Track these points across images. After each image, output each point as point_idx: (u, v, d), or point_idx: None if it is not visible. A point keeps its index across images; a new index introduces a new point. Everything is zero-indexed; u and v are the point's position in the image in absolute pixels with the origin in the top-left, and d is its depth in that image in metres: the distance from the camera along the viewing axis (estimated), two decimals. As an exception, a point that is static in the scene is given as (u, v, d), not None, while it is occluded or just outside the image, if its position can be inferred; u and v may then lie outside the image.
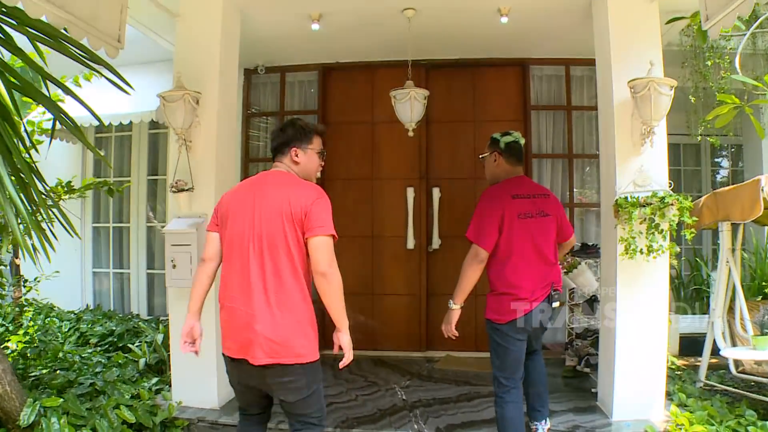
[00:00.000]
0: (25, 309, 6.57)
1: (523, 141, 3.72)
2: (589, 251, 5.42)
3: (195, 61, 4.50)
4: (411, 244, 6.26)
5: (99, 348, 5.59)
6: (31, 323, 5.56)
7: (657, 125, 3.91)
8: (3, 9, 2.99)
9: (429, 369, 5.62)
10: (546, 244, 3.55)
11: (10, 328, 5.79)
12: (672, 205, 3.80)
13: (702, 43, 5.22)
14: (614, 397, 4.11)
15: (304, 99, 6.69)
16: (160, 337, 5.23)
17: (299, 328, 2.66)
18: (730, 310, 4.73)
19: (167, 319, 4.75)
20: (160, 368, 5.05)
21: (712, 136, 5.74)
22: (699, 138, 5.74)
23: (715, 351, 4.72)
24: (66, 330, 6.03)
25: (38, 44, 3.33)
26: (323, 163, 3.12)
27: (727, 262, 4.60)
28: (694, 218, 3.89)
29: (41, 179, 3.60)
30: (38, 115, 4.81)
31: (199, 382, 4.44)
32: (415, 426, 4.11)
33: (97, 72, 3.47)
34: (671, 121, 4.25)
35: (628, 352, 4.08)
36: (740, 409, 4.04)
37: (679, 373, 5.12)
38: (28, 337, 5.07)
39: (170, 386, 4.54)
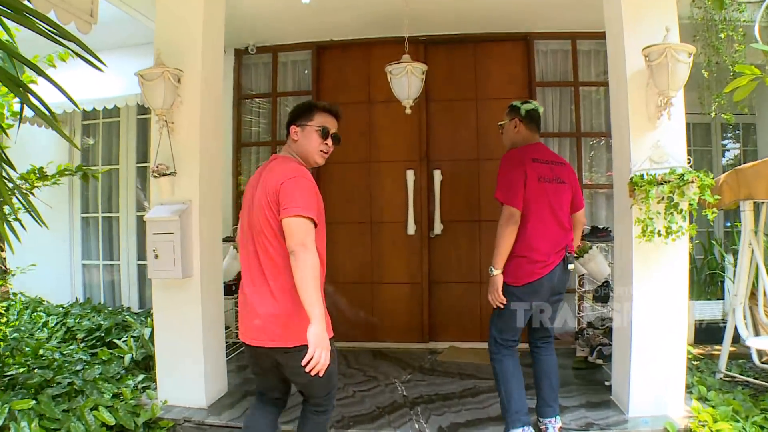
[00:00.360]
0: (11, 303, 6.35)
1: (542, 109, 3.79)
2: (600, 235, 5.12)
3: (176, 37, 4.19)
4: (411, 229, 5.96)
5: (85, 344, 5.34)
6: (3, 319, 5.29)
7: (674, 96, 3.57)
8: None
9: (431, 361, 5.32)
10: (561, 210, 3.58)
11: (-6, 323, 5.58)
12: (692, 182, 3.48)
13: (719, 10, 4.92)
14: (630, 391, 3.80)
15: (298, 79, 6.40)
16: (147, 332, 4.97)
17: (294, 315, 2.57)
18: (752, 296, 4.44)
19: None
20: (147, 364, 4.78)
21: (726, 113, 5.43)
22: (713, 114, 5.44)
23: (735, 339, 4.45)
24: (53, 325, 5.79)
25: (4, 20, 3.05)
26: (328, 143, 2.85)
27: (750, 244, 4.30)
28: (716, 197, 3.58)
29: (10, 165, 3.32)
30: (9, 97, 4.51)
31: (186, 380, 4.18)
32: (416, 425, 3.81)
33: (66, 48, 3.20)
34: (681, 99, 3.96)
35: (645, 343, 3.78)
36: (765, 402, 3.76)
37: (696, 363, 4.82)
38: (0, 334, 4.81)
39: (157, 384, 4.28)
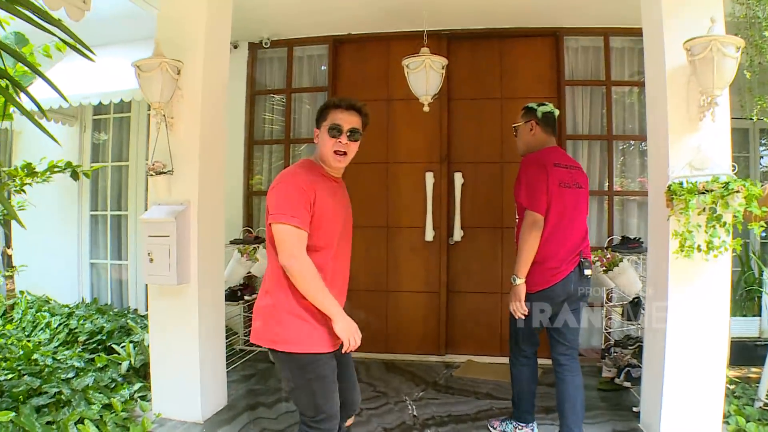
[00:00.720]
0: (17, 301, 6.19)
1: (557, 113, 3.68)
2: (631, 246, 4.75)
3: (177, 27, 3.96)
4: (430, 235, 5.62)
5: (85, 347, 5.11)
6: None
7: (719, 95, 3.19)
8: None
9: (446, 377, 4.99)
10: (579, 216, 3.53)
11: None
12: (738, 192, 3.10)
13: (765, 5, 4.53)
14: (661, 419, 3.44)
15: (314, 75, 6.10)
16: (148, 337, 4.71)
17: (275, 314, 2.52)
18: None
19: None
20: (146, 372, 4.50)
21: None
22: (755, 119, 5.03)
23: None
24: (55, 326, 5.59)
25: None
26: (341, 140, 2.60)
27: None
28: (765, 208, 3.19)
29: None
30: None
31: (181, 393, 3.93)
32: (424, 452, 3.50)
33: (54, 35, 2.96)
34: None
35: (679, 368, 3.41)
36: (814, 438, 3.38)
37: (731, 387, 4.42)
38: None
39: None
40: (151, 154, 3.89)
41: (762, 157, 6.69)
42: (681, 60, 3.33)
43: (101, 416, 3.61)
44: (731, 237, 3.21)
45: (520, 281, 3.33)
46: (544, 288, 3.36)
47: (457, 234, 5.63)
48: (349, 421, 2.93)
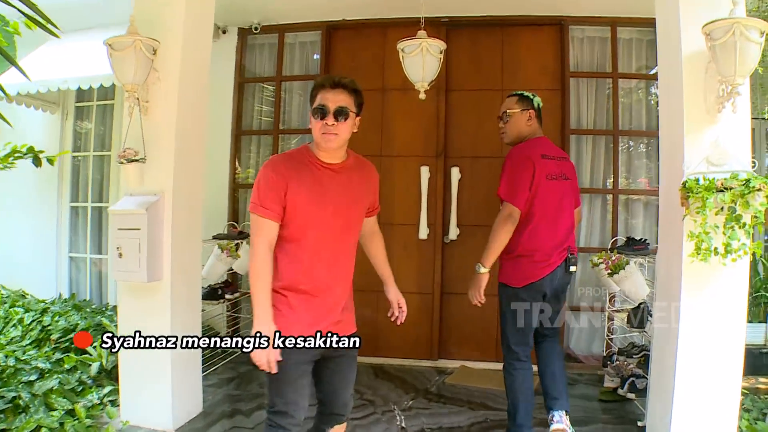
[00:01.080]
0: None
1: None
2: (637, 248, 4.48)
3: (155, 3, 3.66)
4: (424, 233, 5.35)
5: (57, 346, 4.82)
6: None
7: (742, 83, 2.90)
8: None
9: (438, 384, 4.70)
10: (567, 208, 3.51)
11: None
12: (759, 190, 2.81)
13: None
14: (671, 436, 3.17)
15: (306, 62, 5.81)
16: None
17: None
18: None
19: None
20: (118, 375, 4.24)
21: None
22: (767, 116, 4.78)
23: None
24: (28, 322, 5.30)
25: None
26: (327, 122, 2.40)
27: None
28: (789, 209, 2.91)
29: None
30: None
31: (150, 399, 3.66)
32: (411, 469, 3.22)
33: (13, 6, 2.69)
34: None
35: (691, 381, 3.12)
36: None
37: (740, 397, 4.14)
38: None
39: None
40: (123, 140, 3.61)
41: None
42: (698, 46, 3.04)
43: (62, 424, 3.34)
44: (750, 239, 2.94)
45: (484, 270, 3.36)
46: (533, 281, 3.35)
47: (453, 232, 5.35)
48: (339, 429, 2.80)
